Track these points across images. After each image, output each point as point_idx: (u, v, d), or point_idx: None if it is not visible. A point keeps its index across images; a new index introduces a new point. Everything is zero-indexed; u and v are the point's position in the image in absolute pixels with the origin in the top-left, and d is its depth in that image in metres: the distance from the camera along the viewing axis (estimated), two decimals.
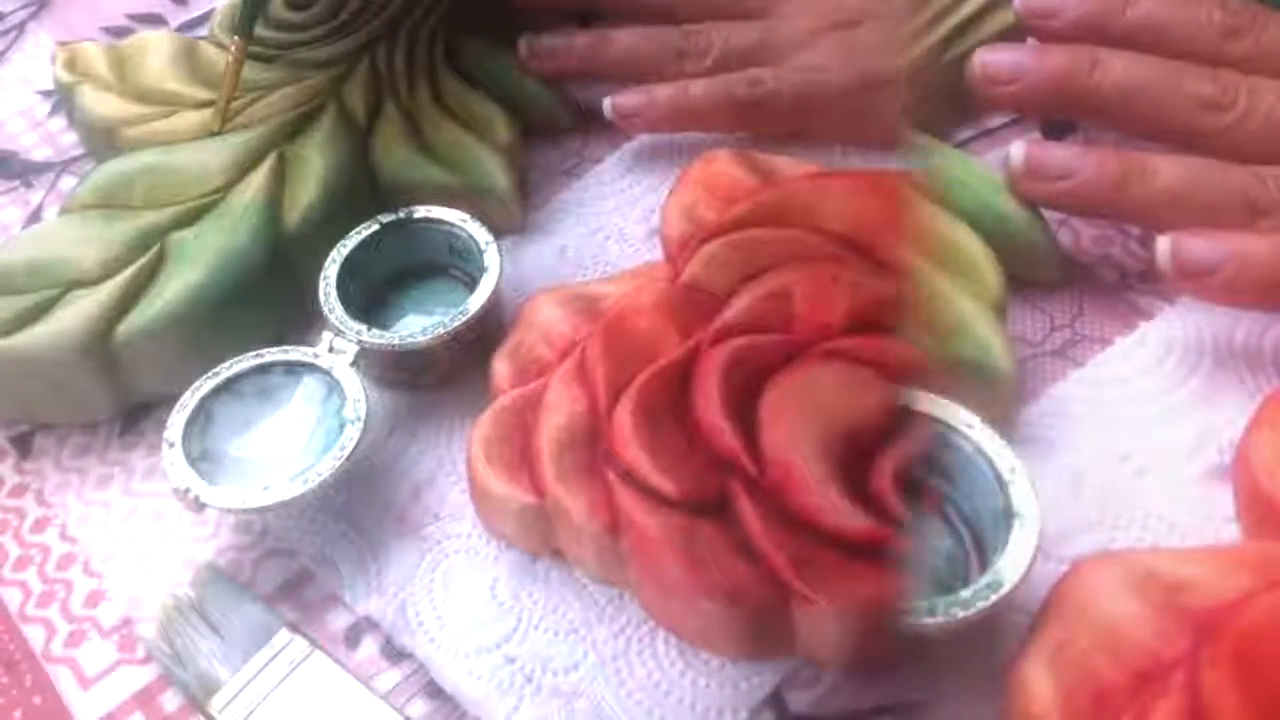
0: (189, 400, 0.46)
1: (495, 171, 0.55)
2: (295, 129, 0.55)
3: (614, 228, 0.56)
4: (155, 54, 0.60)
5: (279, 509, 0.44)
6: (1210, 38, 0.48)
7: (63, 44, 0.62)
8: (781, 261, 0.47)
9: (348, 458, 0.45)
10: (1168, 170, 0.46)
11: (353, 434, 0.45)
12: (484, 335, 0.49)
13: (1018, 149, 0.47)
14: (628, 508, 0.41)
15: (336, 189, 0.53)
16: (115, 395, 0.50)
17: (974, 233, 0.45)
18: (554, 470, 0.43)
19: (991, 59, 0.48)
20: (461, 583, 0.45)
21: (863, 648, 0.40)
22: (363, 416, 0.46)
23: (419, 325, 0.49)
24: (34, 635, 0.45)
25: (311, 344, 0.49)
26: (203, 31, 0.64)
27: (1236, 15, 0.48)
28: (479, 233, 0.51)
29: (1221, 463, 0.43)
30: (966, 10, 0.53)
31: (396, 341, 0.48)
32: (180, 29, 0.67)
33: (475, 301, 0.49)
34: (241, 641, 0.43)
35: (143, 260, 0.50)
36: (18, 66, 0.65)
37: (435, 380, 0.50)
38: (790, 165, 0.52)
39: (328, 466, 0.44)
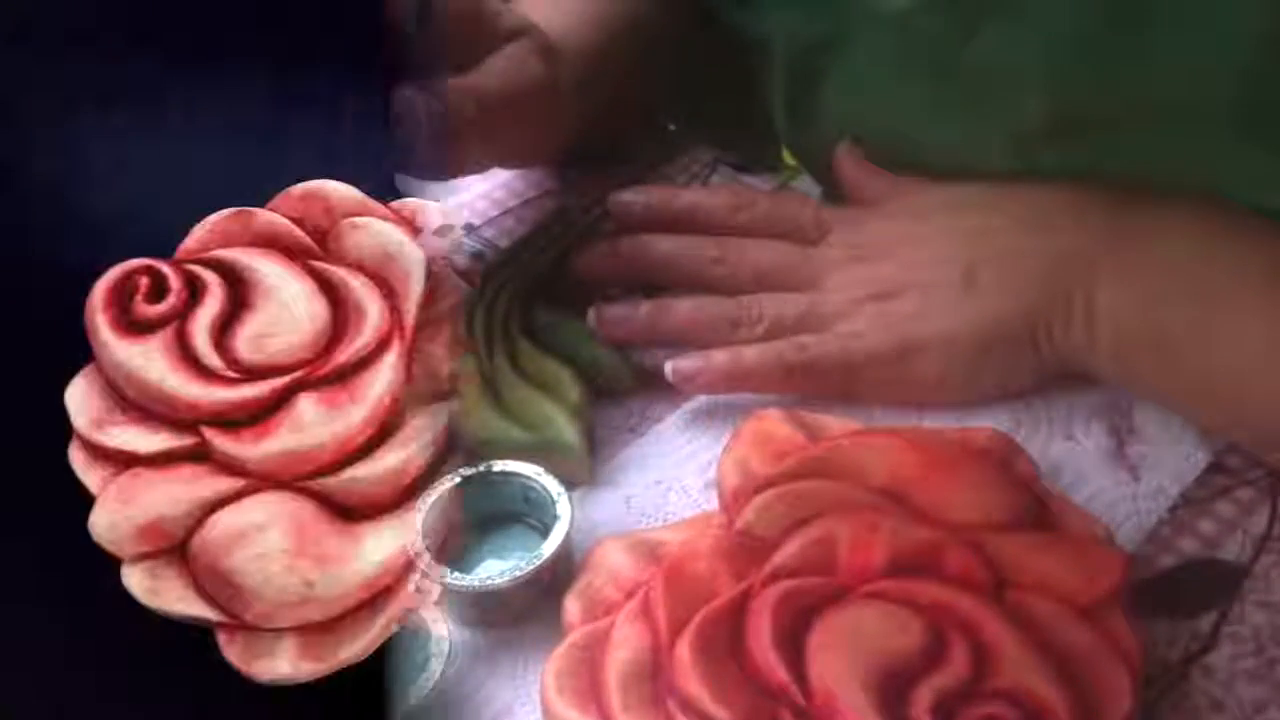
0: None
1: (566, 429, 0.58)
2: None
3: (674, 480, 0.59)
4: None
5: None
6: (723, 213, 0.66)
7: None
8: (827, 511, 0.50)
9: (432, 689, 0.48)
10: (680, 307, 0.63)
11: (436, 667, 0.48)
12: (556, 578, 0.52)
13: (592, 310, 0.64)
14: None
15: None
16: None
17: (566, 366, 0.61)
18: (620, 701, 0.45)
19: (585, 263, 0.67)
20: None
21: None
22: (445, 652, 0.49)
23: (497, 569, 0.52)
24: None
25: None
26: None
27: (739, 195, 0.67)
28: (552, 485, 0.54)
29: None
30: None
31: (476, 584, 0.51)
32: None
33: (548, 547, 0.51)
34: None
35: None
36: None
37: (512, 618, 0.52)
38: (835, 423, 0.56)
39: (414, 698, 0.47)
